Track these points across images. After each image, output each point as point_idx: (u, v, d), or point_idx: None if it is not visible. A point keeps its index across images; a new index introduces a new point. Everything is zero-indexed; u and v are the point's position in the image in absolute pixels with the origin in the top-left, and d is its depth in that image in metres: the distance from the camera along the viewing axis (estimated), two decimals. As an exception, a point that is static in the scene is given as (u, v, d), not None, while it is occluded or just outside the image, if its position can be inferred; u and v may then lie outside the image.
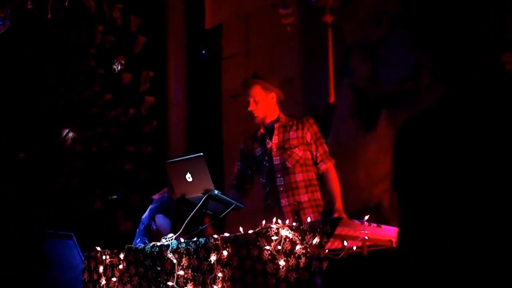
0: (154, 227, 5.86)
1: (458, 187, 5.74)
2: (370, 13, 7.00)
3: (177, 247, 4.47)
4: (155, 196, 6.00)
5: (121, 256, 4.78)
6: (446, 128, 6.08)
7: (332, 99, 7.12)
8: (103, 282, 4.84)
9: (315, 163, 5.22)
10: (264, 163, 5.25)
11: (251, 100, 5.26)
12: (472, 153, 5.61)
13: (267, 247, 4.04)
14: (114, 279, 4.78)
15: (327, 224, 3.91)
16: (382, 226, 4.23)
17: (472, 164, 5.26)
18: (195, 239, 4.47)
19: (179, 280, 4.42)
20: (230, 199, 4.85)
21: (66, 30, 8.48)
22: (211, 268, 4.28)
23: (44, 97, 8.40)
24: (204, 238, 4.39)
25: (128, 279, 4.72)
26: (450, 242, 5.46)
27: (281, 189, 5.17)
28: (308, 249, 3.89)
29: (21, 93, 8.29)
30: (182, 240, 4.51)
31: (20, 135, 8.20)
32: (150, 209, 5.94)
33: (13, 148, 8.16)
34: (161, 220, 5.86)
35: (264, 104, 5.25)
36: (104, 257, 4.88)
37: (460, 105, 5.68)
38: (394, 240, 4.39)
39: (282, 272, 3.96)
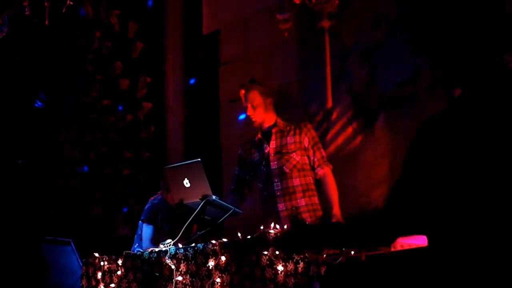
0: None
1: (458, 188, 5.74)
2: (368, 16, 7.00)
3: (175, 253, 4.47)
4: (152, 198, 6.01)
5: (119, 262, 4.78)
6: (446, 129, 6.09)
7: (329, 103, 7.12)
8: (102, 288, 4.85)
9: (313, 168, 5.23)
10: (262, 167, 5.26)
11: (249, 105, 5.27)
12: (472, 154, 5.61)
13: (265, 252, 4.04)
14: (112, 285, 4.78)
15: (325, 229, 3.91)
16: (380, 230, 4.23)
17: (472, 165, 5.27)
18: (193, 244, 4.47)
19: (177, 285, 4.42)
20: (228, 205, 4.86)
21: (64, 36, 8.49)
22: (210, 273, 4.27)
23: (44, 99, 8.42)
24: (202, 244, 4.40)
25: (127, 285, 4.72)
26: (450, 243, 5.46)
27: (278, 193, 5.18)
28: (306, 254, 3.89)
29: (21, 95, 8.30)
30: (180, 245, 4.51)
31: (20, 137, 8.21)
32: (143, 212, 5.95)
33: (13, 150, 8.16)
34: (143, 229, 5.84)
35: (262, 109, 5.27)
36: (102, 263, 4.88)
37: (461, 107, 5.67)
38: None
39: (281, 277, 3.96)
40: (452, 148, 5.57)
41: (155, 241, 5.55)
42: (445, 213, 5.80)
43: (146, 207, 5.92)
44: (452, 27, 6.19)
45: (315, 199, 5.22)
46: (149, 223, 5.78)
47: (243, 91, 5.35)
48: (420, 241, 4.44)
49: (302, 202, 5.15)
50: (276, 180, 5.19)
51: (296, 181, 5.17)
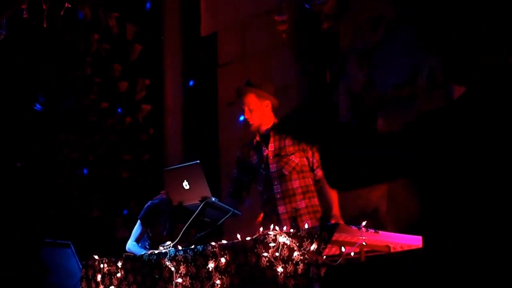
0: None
1: (458, 188, 5.75)
2: (366, 18, 7.01)
3: (175, 255, 4.48)
4: (154, 198, 5.99)
5: (119, 264, 4.78)
6: (446, 129, 6.10)
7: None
8: (102, 290, 4.85)
9: (312, 169, 5.23)
10: (261, 171, 5.27)
11: (246, 108, 5.27)
12: (472, 154, 5.62)
13: (265, 254, 4.05)
14: (112, 287, 4.78)
15: (324, 230, 3.91)
16: (380, 231, 4.24)
17: (472, 165, 5.26)
18: (192, 246, 4.47)
19: (177, 287, 4.42)
20: (227, 207, 4.86)
21: (62, 38, 8.49)
22: (209, 275, 4.28)
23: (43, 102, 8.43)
24: (202, 246, 4.40)
25: (127, 287, 4.72)
26: (450, 243, 5.47)
27: (278, 196, 5.18)
28: (306, 256, 3.90)
29: (20, 97, 8.30)
30: (179, 247, 4.52)
31: (20, 138, 8.21)
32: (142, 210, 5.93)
33: (13, 151, 8.16)
34: (135, 226, 5.82)
35: (259, 112, 5.27)
36: (102, 265, 4.88)
37: (461, 107, 5.67)
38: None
39: (280, 278, 3.97)
40: (451, 148, 5.57)
41: (138, 241, 5.55)
42: (443, 213, 5.80)
43: (146, 206, 5.92)
44: (451, 27, 6.20)
45: (315, 201, 5.22)
46: (142, 222, 5.75)
47: (239, 95, 5.35)
48: (414, 241, 4.44)
49: (302, 204, 5.15)
50: (275, 183, 5.19)
51: (296, 183, 5.17)
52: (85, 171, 8.52)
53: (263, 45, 7.93)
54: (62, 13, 6.96)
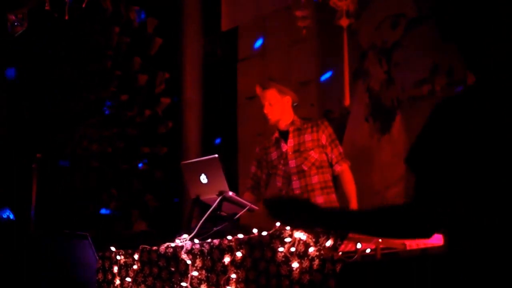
0: None
1: (462, 188, 5.71)
2: (386, 16, 7.00)
3: (191, 248, 4.49)
4: None
5: (136, 256, 4.80)
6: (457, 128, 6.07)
7: (347, 102, 7.12)
8: (118, 282, 4.86)
9: (331, 165, 5.23)
10: (280, 166, 5.27)
11: (266, 103, 5.27)
12: (474, 154, 5.58)
13: (281, 249, 4.05)
14: (128, 279, 4.80)
15: (341, 227, 3.91)
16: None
17: (474, 164, 5.18)
18: (209, 240, 4.48)
19: (193, 281, 4.43)
20: (244, 201, 4.86)
21: (83, 31, 8.51)
22: (225, 269, 4.29)
23: (62, 97, 8.46)
24: (218, 239, 4.41)
25: (143, 279, 4.74)
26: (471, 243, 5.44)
27: (297, 192, 5.19)
28: (322, 251, 3.90)
29: (39, 92, 8.33)
30: (196, 241, 4.53)
31: (38, 132, 8.25)
32: None
33: (32, 145, 8.19)
34: None
35: (279, 107, 5.26)
36: (118, 257, 4.90)
37: (477, 105, 5.63)
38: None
39: (296, 274, 3.97)
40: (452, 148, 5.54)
41: None
42: (466, 210, 5.77)
43: None
44: (469, 26, 6.16)
45: (333, 196, 5.23)
46: None
47: (260, 89, 5.35)
48: (434, 240, 4.42)
49: (320, 199, 5.16)
50: (295, 179, 5.20)
51: (315, 179, 5.18)
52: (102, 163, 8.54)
53: (283, 41, 7.93)
54: (83, 5, 6.99)
